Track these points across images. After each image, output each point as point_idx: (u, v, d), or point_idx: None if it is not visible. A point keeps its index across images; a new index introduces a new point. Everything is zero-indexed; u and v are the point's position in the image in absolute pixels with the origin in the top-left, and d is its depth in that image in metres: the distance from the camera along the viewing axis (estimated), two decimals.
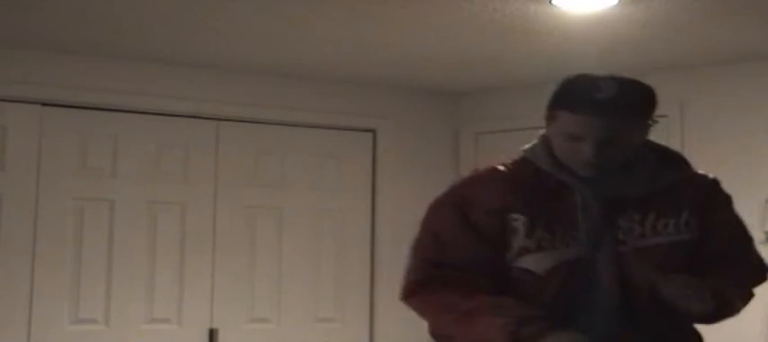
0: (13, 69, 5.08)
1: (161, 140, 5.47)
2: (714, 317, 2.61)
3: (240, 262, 5.63)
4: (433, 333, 2.69)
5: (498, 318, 2.46)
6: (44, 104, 5.19)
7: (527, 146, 2.73)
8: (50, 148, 5.19)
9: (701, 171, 2.78)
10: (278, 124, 5.78)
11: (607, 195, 2.58)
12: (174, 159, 5.50)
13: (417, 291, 2.65)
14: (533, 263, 2.55)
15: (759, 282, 2.84)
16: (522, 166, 2.68)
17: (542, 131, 2.68)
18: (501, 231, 2.58)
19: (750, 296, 2.78)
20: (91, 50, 5.15)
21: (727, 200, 2.78)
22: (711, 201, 2.72)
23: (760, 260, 2.85)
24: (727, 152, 5.24)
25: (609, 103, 2.46)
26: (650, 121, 2.59)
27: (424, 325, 2.72)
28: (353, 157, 6.00)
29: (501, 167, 2.71)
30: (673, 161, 2.72)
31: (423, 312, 2.68)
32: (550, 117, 2.59)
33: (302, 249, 5.81)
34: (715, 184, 2.76)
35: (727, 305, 2.62)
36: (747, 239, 2.83)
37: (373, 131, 6.07)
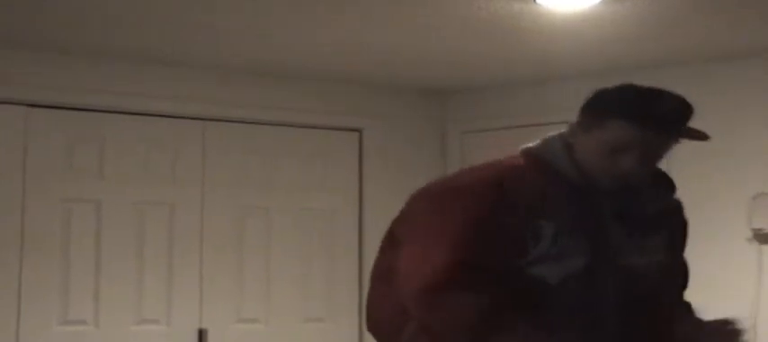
0: None
1: (148, 141, 5.47)
2: None
3: (228, 262, 5.63)
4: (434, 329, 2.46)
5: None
6: (30, 106, 5.18)
7: (533, 144, 2.60)
8: (37, 149, 5.18)
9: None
10: (265, 124, 5.78)
11: (619, 210, 2.53)
12: (162, 160, 5.50)
13: (442, 288, 2.41)
14: (548, 270, 2.43)
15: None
16: (543, 166, 2.54)
17: (555, 132, 2.58)
18: (524, 233, 2.42)
19: None
20: (77, 51, 5.14)
21: (686, 230, 2.79)
22: (679, 229, 2.73)
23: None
24: (714, 149, 5.21)
25: (675, 119, 2.44)
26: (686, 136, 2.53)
27: None
28: (340, 156, 6.00)
29: (521, 164, 2.55)
30: (664, 180, 2.70)
31: (439, 313, 2.44)
32: (591, 124, 2.47)
33: (290, 249, 5.81)
34: (682, 210, 2.76)
35: None
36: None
37: (360, 131, 6.07)
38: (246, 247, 5.69)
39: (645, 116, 2.42)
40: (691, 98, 5.50)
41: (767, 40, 4.90)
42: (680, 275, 2.73)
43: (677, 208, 2.71)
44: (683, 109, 2.47)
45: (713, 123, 5.55)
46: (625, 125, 2.42)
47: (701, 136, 2.44)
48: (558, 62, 5.21)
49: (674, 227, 2.66)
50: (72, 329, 5.20)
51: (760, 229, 5.03)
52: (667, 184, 2.69)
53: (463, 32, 4.74)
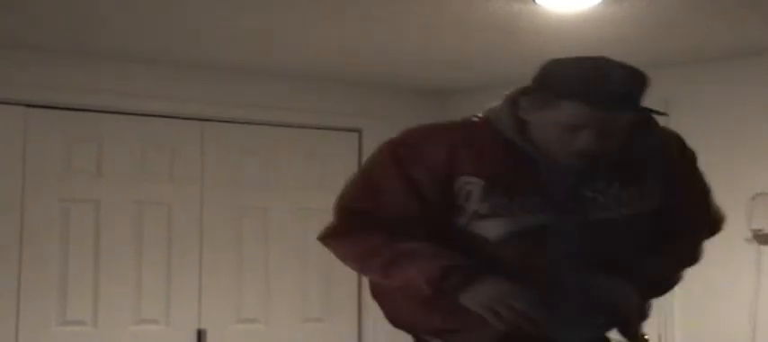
0: None
1: (146, 141, 5.46)
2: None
3: (227, 262, 5.63)
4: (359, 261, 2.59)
5: (422, 264, 2.35)
6: (28, 106, 5.17)
7: (491, 106, 2.54)
8: (35, 149, 5.18)
9: (670, 130, 2.67)
10: (263, 124, 5.78)
11: (571, 163, 2.41)
12: (160, 160, 5.50)
13: (338, 233, 2.55)
14: (486, 228, 2.39)
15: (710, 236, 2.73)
16: (484, 127, 2.49)
17: (508, 93, 2.51)
18: (449, 193, 2.41)
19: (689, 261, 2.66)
20: (75, 51, 5.14)
21: (695, 170, 2.66)
22: (679, 169, 2.59)
23: (717, 220, 2.73)
24: (712, 149, 5.23)
25: (622, 98, 2.33)
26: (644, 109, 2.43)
27: None
28: (339, 156, 5.99)
29: (458, 125, 2.55)
30: (648, 125, 2.53)
31: (344, 255, 2.58)
32: (543, 103, 2.38)
33: (289, 249, 5.81)
34: (684, 150, 2.64)
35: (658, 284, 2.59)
36: (709, 214, 2.70)
37: (359, 131, 6.07)
38: (245, 247, 5.69)
39: (596, 95, 2.32)
40: (688, 99, 5.48)
41: (766, 40, 4.90)
42: (682, 214, 2.58)
43: (669, 148, 2.59)
44: (634, 82, 2.37)
45: (712, 124, 5.58)
46: (573, 105, 2.32)
47: (656, 111, 2.40)
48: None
49: (661, 169, 2.52)
50: (71, 329, 5.20)
51: (759, 230, 5.03)
52: (652, 128, 2.55)
53: (463, 33, 4.73)
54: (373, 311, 6.04)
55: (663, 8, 4.33)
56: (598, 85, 2.32)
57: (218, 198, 5.62)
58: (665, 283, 2.62)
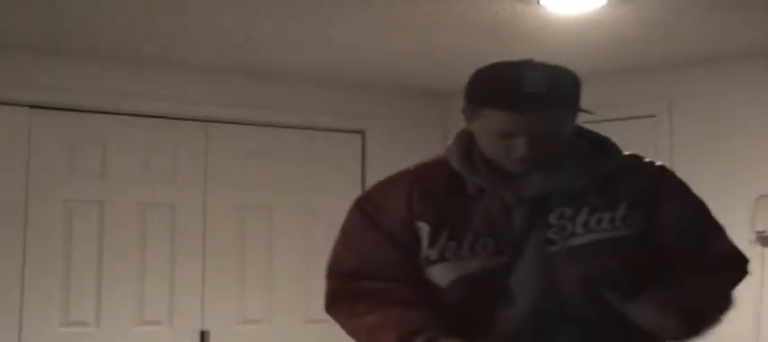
0: (1, 72, 5.07)
1: (150, 142, 5.47)
2: (687, 333, 2.32)
3: (230, 263, 5.63)
4: (344, 322, 2.56)
5: (388, 333, 2.31)
6: (32, 107, 5.18)
7: (449, 143, 2.48)
8: (39, 150, 5.18)
9: (648, 159, 2.49)
10: (267, 126, 5.78)
11: (530, 195, 2.32)
12: (164, 161, 5.50)
13: (331, 304, 2.55)
14: (436, 274, 2.35)
15: (737, 277, 2.49)
16: (436, 167, 2.45)
17: (463, 126, 2.43)
18: (414, 238, 2.37)
19: (728, 298, 2.42)
20: (80, 53, 5.14)
21: (678, 189, 2.45)
22: (657, 192, 2.39)
23: (734, 251, 2.50)
24: (716, 151, 5.25)
25: (540, 98, 2.22)
26: (579, 109, 2.32)
27: None
28: (343, 158, 6.00)
29: (412, 169, 2.50)
30: (605, 149, 2.41)
31: (343, 325, 2.56)
32: (470, 114, 2.33)
33: (292, 250, 5.81)
34: (662, 172, 2.45)
35: (699, 319, 2.32)
36: (711, 231, 2.47)
37: (362, 132, 6.07)
38: (248, 248, 5.69)
39: (509, 101, 2.24)
40: (692, 100, 5.47)
41: None
42: (677, 242, 2.40)
43: (642, 173, 2.42)
44: (556, 83, 2.26)
45: (716, 126, 5.58)
46: (495, 112, 2.26)
47: (584, 110, 2.31)
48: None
49: (636, 194, 2.35)
50: (74, 330, 5.20)
51: (763, 232, 5.02)
52: (609, 151, 2.41)
53: (466, 34, 4.73)
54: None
55: (666, 10, 4.33)
56: (513, 89, 2.24)
57: (222, 199, 5.63)
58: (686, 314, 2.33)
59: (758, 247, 5.03)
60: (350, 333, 2.55)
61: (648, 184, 2.39)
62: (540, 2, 4.21)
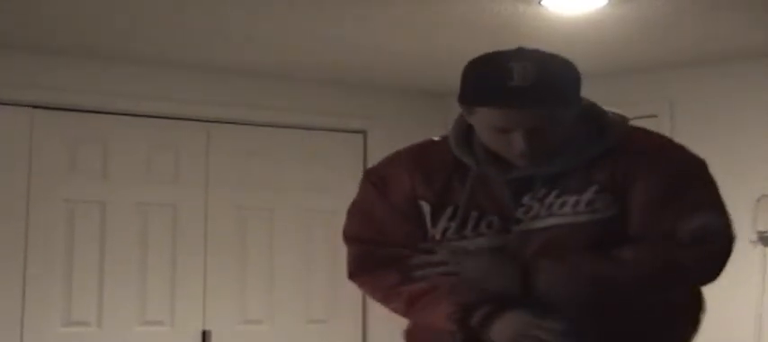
0: (3, 72, 5.07)
1: (151, 143, 5.47)
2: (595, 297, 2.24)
3: (232, 263, 5.63)
4: (380, 294, 2.53)
5: (443, 305, 2.30)
6: (35, 107, 5.18)
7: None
8: (41, 150, 5.18)
9: (651, 137, 2.44)
10: (268, 126, 5.78)
11: (515, 176, 2.31)
12: (165, 161, 5.50)
13: (357, 272, 2.55)
14: (445, 251, 2.36)
15: (705, 250, 2.29)
16: (439, 147, 2.46)
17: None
18: (420, 215, 2.40)
19: (672, 268, 2.26)
20: (81, 53, 5.14)
21: (657, 165, 2.32)
22: (632, 172, 2.29)
23: (710, 227, 2.30)
24: (717, 151, 5.20)
25: (529, 91, 2.18)
26: (575, 96, 2.29)
27: None
28: (344, 158, 6.00)
29: (416, 147, 2.52)
30: (604, 132, 2.36)
31: (370, 293, 2.58)
32: (466, 110, 2.31)
33: (294, 250, 5.81)
34: (648, 149, 2.36)
35: (610, 285, 2.23)
36: (682, 209, 2.28)
37: (364, 133, 6.07)
38: (250, 248, 5.69)
39: (497, 97, 2.21)
40: (693, 100, 5.46)
41: None
42: (639, 227, 2.28)
43: (632, 156, 2.31)
44: (541, 78, 2.19)
45: (717, 126, 5.57)
46: (488, 110, 2.24)
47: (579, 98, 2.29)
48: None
49: (614, 178, 2.28)
50: (75, 331, 5.21)
51: (764, 232, 5.02)
52: (608, 134, 2.35)
53: (467, 34, 4.73)
54: (378, 313, 6.05)
55: (668, 10, 4.33)
56: (500, 84, 2.21)
57: (223, 199, 5.63)
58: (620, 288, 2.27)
59: (759, 247, 5.03)
60: (380, 300, 2.53)
61: (626, 165, 2.29)
62: (541, 2, 4.21)
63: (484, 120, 2.27)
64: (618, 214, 2.28)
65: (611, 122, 2.38)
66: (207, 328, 5.51)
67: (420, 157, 2.48)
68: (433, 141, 2.51)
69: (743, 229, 5.02)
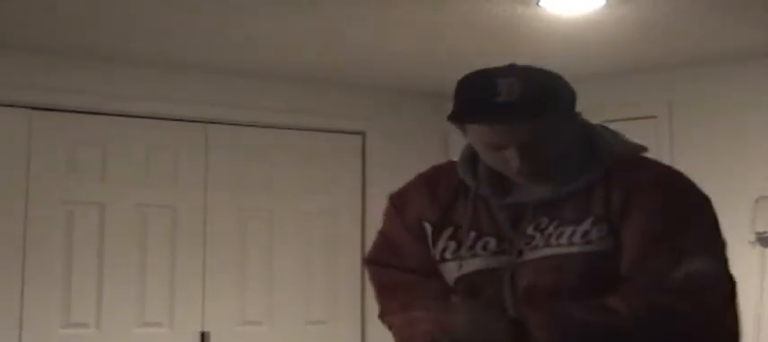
0: (2, 73, 5.07)
1: (150, 144, 5.47)
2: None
3: (231, 265, 5.63)
4: (380, 315, 2.56)
5: (418, 333, 2.32)
6: (33, 109, 5.18)
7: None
8: (40, 152, 5.18)
9: (648, 163, 2.36)
10: (267, 127, 5.78)
11: (511, 201, 2.32)
12: (164, 163, 5.50)
13: (377, 296, 2.57)
14: (444, 272, 2.40)
15: (682, 306, 2.16)
16: (447, 170, 2.47)
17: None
18: (426, 236, 2.44)
19: (643, 318, 2.15)
20: (80, 54, 5.14)
21: (651, 200, 2.23)
22: (628, 204, 2.23)
23: (696, 276, 2.17)
24: (716, 152, 5.25)
25: (514, 107, 2.16)
26: (567, 112, 2.25)
27: None
28: (343, 159, 6.00)
29: (430, 170, 2.54)
30: (594, 157, 2.31)
31: (374, 287, 2.59)
32: (461, 130, 2.31)
33: (293, 252, 5.81)
34: (644, 181, 2.27)
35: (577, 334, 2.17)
36: (670, 253, 2.19)
37: (362, 134, 6.07)
38: (249, 249, 5.69)
39: (483, 113, 2.20)
40: (692, 101, 5.46)
41: None
42: (630, 258, 2.22)
43: (625, 183, 2.25)
44: (526, 93, 2.16)
45: (716, 127, 5.57)
46: (478, 127, 2.24)
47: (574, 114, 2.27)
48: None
49: (609, 207, 2.23)
50: (74, 332, 5.20)
51: (763, 233, 5.02)
52: (597, 159, 2.30)
53: (466, 36, 4.73)
54: (377, 314, 6.05)
55: (666, 11, 4.33)
56: (487, 100, 2.18)
57: (222, 201, 5.63)
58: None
59: (758, 248, 5.04)
60: (380, 301, 2.58)
61: (622, 195, 2.23)
62: (540, 3, 4.21)
63: (476, 137, 2.28)
64: (613, 248, 2.23)
65: (603, 145, 2.33)
66: (206, 330, 5.50)
67: (432, 178, 2.50)
68: (449, 163, 2.51)
69: (741, 230, 5.03)
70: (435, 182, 2.47)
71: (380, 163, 6.03)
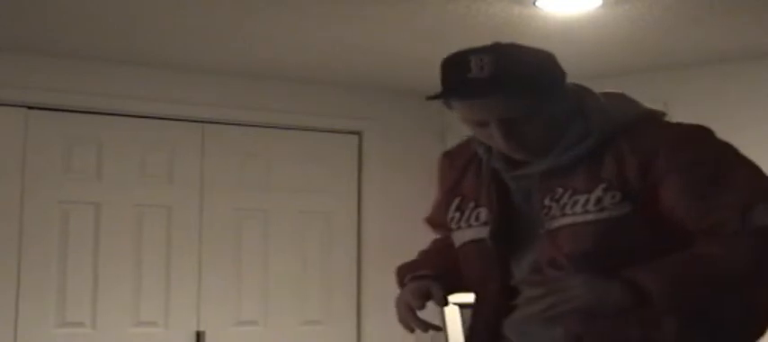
0: None
1: (146, 143, 5.46)
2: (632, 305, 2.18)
3: (227, 264, 5.62)
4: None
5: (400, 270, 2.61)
6: (29, 107, 5.17)
7: None
8: (35, 151, 5.18)
9: (658, 123, 2.46)
10: (263, 127, 5.78)
11: (520, 173, 2.35)
12: (160, 162, 5.49)
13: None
14: (454, 236, 2.54)
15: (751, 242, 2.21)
16: (467, 142, 2.56)
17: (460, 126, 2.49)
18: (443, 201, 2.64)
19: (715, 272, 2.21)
20: (76, 53, 5.13)
21: (681, 159, 2.32)
22: (655, 168, 2.26)
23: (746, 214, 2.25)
24: None
25: (485, 82, 2.20)
26: (552, 88, 2.30)
27: None
28: (339, 159, 5.99)
29: (460, 143, 2.65)
30: (590, 123, 2.34)
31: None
32: (447, 107, 2.38)
33: (289, 252, 5.80)
34: (664, 142, 2.35)
35: (646, 294, 2.16)
36: (714, 195, 2.28)
37: (359, 134, 6.06)
38: (245, 249, 5.69)
39: (457, 90, 2.29)
40: (688, 101, 5.47)
41: (767, 43, 4.90)
42: (688, 214, 2.24)
43: (640, 145, 2.29)
44: (500, 67, 2.20)
45: (714, 127, 5.54)
46: (456, 103, 2.32)
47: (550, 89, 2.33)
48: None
49: (622, 173, 2.25)
50: (70, 331, 5.20)
51: None
52: (584, 131, 2.32)
53: (462, 36, 4.71)
54: (372, 314, 6.06)
55: (663, 11, 4.33)
56: (459, 77, 2.27)
57: (218, 200, 5.62)
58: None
59: None
60: None
61: (639, 160, 2.26)
62: (536, 3, 4.21)
63: (460, 115, 2.34)
64: (628, 214, 2.24)
65: (598, 114, 2.35)
66: (201, 329, 5.50)
67: (458, 148, 2.62)
68: (466, 139, 2.61)
69: None
70: (457, 152, 2.61)
71: (377, 163, 6.03)
